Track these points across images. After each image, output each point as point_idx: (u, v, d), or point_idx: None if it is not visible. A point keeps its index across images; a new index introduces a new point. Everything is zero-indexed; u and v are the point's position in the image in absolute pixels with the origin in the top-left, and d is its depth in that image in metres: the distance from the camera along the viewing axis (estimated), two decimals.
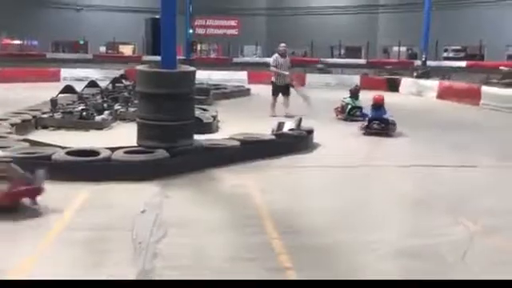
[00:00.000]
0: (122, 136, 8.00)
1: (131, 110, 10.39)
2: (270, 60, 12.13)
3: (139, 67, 6.81)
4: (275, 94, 11.88)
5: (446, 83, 18.24)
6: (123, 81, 14.38)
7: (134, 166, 6.02)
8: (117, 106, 11.06)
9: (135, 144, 6.64)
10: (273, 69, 11.79)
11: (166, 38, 6.59)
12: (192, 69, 7.00)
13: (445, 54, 32.28)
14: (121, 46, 33.96)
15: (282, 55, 11.85)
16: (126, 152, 6.28)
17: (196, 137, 7.12)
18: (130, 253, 3.96)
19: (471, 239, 4.35)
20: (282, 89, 11.81)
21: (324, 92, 18.15)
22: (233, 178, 6.28)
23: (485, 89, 15.68)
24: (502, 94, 14.69)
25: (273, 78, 12.03)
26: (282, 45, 12.16)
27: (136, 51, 33.08)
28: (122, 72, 17.18)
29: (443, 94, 17.39)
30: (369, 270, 3.78)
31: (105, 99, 11.76)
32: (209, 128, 9.38)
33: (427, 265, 3.87)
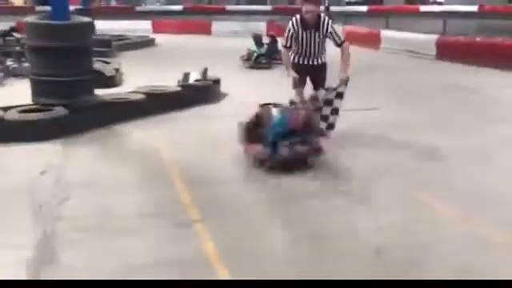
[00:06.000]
0: (15, 94, 7.44)
1: (25, 65, 9.70)
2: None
3: (28, 19, 6.29)
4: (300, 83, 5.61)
5: (348, 28, 18.65)
6: (14, 34, 13.35)
7: (30, 125, 5.66)
8: (9, 62, 10.32)
9: (31, 102, 6.24)
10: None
11: None
12: (87, 19, 6.59)
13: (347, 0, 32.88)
14: None
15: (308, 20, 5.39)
16: (20, 111, 5.88)
17: (98, 91, 6.82)
18: (31, 218, 3.75)
19: None
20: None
21: (231, 40, 17.97)
22: (138, 133, 6.12)
23: (384, 32, 16.27)
24: (400, 37, 15.30)
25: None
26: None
27: (28, 1, 30.71)
28: (12, 24, 15.95)
29: (347, 39, 17.82)
30: (263, 213, 3.87)
31: None
32: (112, 81, 9.04)
33: None
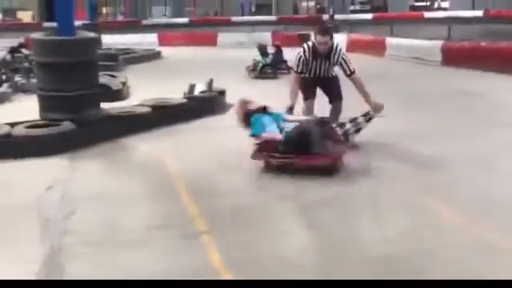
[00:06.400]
0: (23, 110, 7.53)
1: (33, 81, 9.80)
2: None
3: (34, 35, 6.39)
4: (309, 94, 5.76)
5: (354, 36, 18.69)
6: (23, 50, 13.51)
7: (37, 140, 5.71)
8: (17, 78, 10.43)
9: (38, 118, 6.30)
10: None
11: (60, 2, 6.19)
12: (92, 35, 6.68)
13: (352, 7, 33.00)
14: (19, 13, 31.75)
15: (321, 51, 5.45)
16: (27, 126, 5.95)
17: (105, 105, 6.88)
18: (38, 232, 3.79)
19: None
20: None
21: (237, 51, 18.05)
22: (145, 146, 6.15)
23: (389, 40, 16.28)
24: (405, 44, 15.30)
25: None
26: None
27: (36, 17, 31.10)
28: (21, 41, 16.13)
29: (352, 47, 17.86)
30: (282, 226, 3.88)
31: (3, 71, 11.03)
32: (119, 95, 9.10)
33: None
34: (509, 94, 8.97)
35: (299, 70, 5.48)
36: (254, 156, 4.96)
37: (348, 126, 5.38)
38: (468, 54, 12.70)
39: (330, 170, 4.86)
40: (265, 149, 4.92)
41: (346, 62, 5.35)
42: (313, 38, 5.33)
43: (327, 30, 5.38)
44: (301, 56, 5.43)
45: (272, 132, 5.03)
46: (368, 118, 5.42)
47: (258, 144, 4.96)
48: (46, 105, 6.26)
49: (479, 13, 20.02)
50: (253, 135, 5.09)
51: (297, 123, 5.10)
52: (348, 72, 5.38)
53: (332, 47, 5.35)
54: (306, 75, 5.53)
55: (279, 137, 4.95)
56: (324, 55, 5.36)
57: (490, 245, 3.48)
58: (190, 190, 4.62)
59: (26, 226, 3.91)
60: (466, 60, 12.34)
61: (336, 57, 5.35)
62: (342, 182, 4.72)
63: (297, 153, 4.84)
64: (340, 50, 5.37)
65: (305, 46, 5.46)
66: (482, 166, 5.10)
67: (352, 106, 5.74)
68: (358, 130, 5.41)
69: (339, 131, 5.29)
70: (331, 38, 5.35)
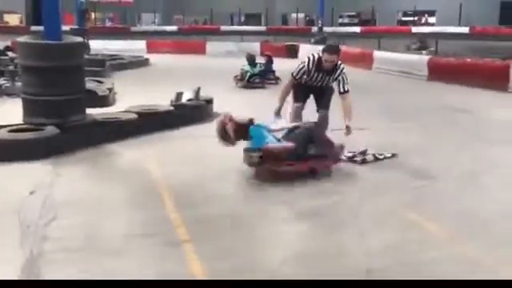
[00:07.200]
0: (7, 113, 7.44)
1: (18, 84, 9.70)
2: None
3: (20, 39, 6.31)
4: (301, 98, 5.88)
5: (342, 48, 18.81)
6: (8, 53, 13.40)
7: (20, 145, 5.63)
8: (2, 81, 10.34)
9: (22, 121, 6.22)
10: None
11: (47, 7, 6.13)
12: (79, 39, 6.63)
13: (340, 20, 33.29)
14: (6, 15, 31.53)
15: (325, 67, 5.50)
16: (10, 130, 5.86)
17: (91, 111, 6.82)
18: (18, 238, 3.71)
19: None
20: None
21: (225, 60, 18.07)
22: (129, 153, 6.09)
23: (377, 53, 16.42)
24: (392, 58, 15.45)
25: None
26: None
27: (24, 21, 30.88)
28: (7, 43, 16.03)
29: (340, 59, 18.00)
30: (265, 236, 3.85)
31: None
32: (105, 101, 9.04)
33: None
34: (494, 110, 9.08)
35: (297, 77, 5.60)
36: (259, 164, 4.99)
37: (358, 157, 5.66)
38: (454, 69, 12.86)
39: (316, 172, 5.05)
40: (272, 157, 4.95)
41: (344, 80, 5.49)
42: (320, 53, 5.46)
43: (336, 49, 5.48)
44: (304, 66, 5.54)
45: (272, 142, 5.06)
46: (377, 157, 5.73)
47: (264, 154, 4.95)
48: (30, 109, 6.18)
49: (465, 29, 20.28)
50: (254, 148, 5.03)
51: (286, 131, 5.24)
52: (342, 90, 5.50)
53: (336, 65, 5.48)
54: (303, 81, 5.64)
55: (290, 145, 5.04)
56: (327, 71, 5.50)
57: (472, 260, 3.48)
58: (173, 198, 4.57)
59: (6, 230, 3.83)
60: (453, 75, 12.49)
61: (337, 74, 5.50)
62: (328, 194, 4.71)
63: (300, 158, 5.02)
64: (343, 68, 5.52)
65: (310, 57, 5.56)
66: (468, 182, 5.13)
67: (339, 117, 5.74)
68: (363, 161, 5.63)
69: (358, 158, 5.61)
70: (338, 56, 5.48)
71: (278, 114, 5.60)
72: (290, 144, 5.06)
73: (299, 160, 5.02)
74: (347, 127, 5.38)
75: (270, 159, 4.96)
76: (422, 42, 19.45)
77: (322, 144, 5.12)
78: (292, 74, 5.64)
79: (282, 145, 5.08)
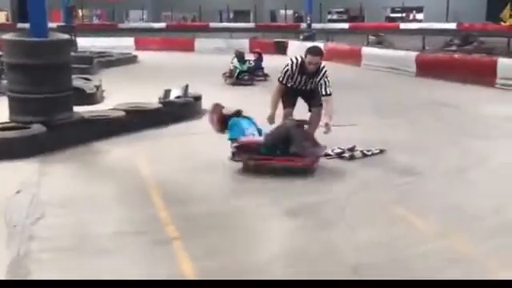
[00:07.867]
0: None
1: (4, 82, 9.60)
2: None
3: (5, 36, 6.24)
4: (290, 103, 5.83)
5: (330, 45, 18.85)
6: None
7: (6, 143, 5.57)
8: None
9: (8, 120, 6.16)
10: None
11: (33, 3, 6.07)
12: (66, 36, 6.56)
13: (329, 17, 33.33)
14: None
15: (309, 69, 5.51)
16: None
17: (79, 108, 6.77)
18: (4, 238, 3.68)
19: None
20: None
21: (214, 57, 18.02)
22: (118, 151, 6.06)
23: (365, 50, 16.46)
24: (380, 54, 15.49)
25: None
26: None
27: (10, 18, 30.58)
28: None
29: (328, 56, 17.99)
30: (254, 233, 3.85)
31: None
32: (93, 98, 9.00)
33: None
34: (482, 105, 9.14)
35: (284, 82, 5.58)
36: (233, 157, 5.10)
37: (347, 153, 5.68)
38: (442, 65, 12.92)
39: (305, 171, 5.01)
40: (244, 150, 5.06)
41: (326, 83, 5.44)
42: (303, 56, 5.45)
43: (319, 51, 5.46)
44: (288, 69, 5.51)
45: (252, 134, 5.22)
46: (365, 153, 5.75)
47: (237, 146, 5.08)
48: (16, 107, 6.12)
49: (453, 25, 20.38)
50: (232, 139, 5.19)
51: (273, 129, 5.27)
52: (324, 93, 5.45)
53: (319, 67, 5.46)
54: (289, 85, 5.61)
55: (260, 139, 5.14)
56: (310, 73, 5.48)
57: (460, 254, 3.51)
58: (162, 196, 4.56)
59: None
60: (441, 71, 12.55)
61: (319, 77, 5.46)
62: (316, 190, 4.72)
63: (276, 154, 5.06)
64: (325, 71, 5.49)
65: (293, 59, 5.54)
66: (455, 177, 5.16)
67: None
68: (351, 157, 5.65)
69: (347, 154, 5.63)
70: (321, 58, 5.47)
71: (272, 120, 5.54)
72: (259, 138, 5.17)
73: (276, 156, 5.06)
74: (326, 124, 5.31)
75: (241, 152, 5.06)
76: (379, 36, 20.96)
77: (301, 142, 5.05)
78: (278, 80, 5.62)
79: (252, 138, 5.18)
